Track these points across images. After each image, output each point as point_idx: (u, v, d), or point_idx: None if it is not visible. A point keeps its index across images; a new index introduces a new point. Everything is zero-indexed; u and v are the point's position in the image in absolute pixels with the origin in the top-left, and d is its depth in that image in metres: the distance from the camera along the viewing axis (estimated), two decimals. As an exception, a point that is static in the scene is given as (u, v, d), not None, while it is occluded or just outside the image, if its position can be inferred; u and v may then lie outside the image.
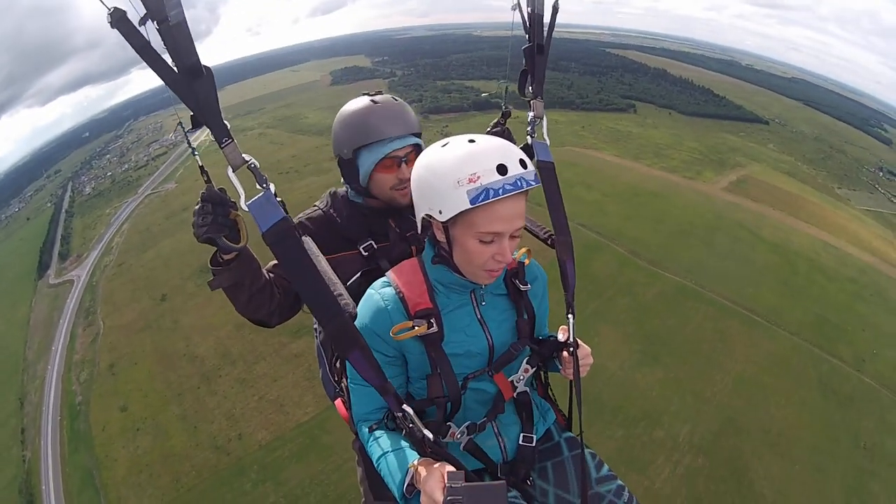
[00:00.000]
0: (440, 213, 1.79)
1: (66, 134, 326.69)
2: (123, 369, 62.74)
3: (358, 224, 2.51)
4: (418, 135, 2.50)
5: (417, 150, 2.46)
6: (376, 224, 2.51)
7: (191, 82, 1.45)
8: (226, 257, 2.02)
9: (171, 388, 57.03)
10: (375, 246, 2.44)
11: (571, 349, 2.13)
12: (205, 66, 1.46)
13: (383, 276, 2.13)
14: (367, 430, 2.02)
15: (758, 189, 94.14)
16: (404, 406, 1.84)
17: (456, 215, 1.76)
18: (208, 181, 1.92)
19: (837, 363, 54.61)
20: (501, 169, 1.69)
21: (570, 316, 2.26)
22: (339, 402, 2.64)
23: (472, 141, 1.81)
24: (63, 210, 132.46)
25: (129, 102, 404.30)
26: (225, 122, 1.58)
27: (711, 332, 56.49)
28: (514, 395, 2.21)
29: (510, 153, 1.76)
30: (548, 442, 2.41)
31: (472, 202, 1.68)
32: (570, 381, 2.27)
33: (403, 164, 2.42)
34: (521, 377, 2.20)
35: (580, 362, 2.15)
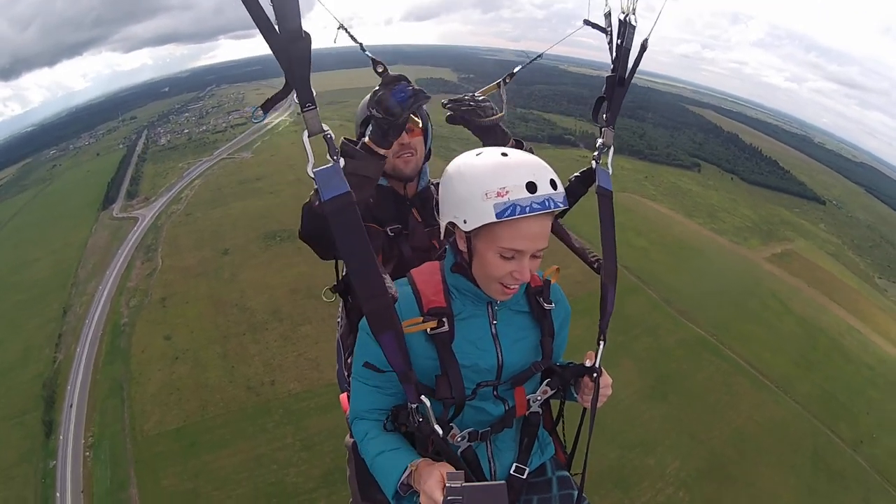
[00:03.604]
0: (465, 222, 2.02)
1: (146, 84, 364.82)
2: (175, 304, 76.02)
3: (387, 207, 2.97)
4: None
5: (421, 118, 2.93)
6: (402, 211, 3.01)
7: (289, 45, 1.66)
8: (377, 148, 2.28)
9: (218, 329, 69.64)
10: (404, 231, 2.90)
11: (595, 375, 2.42)
12: (305, 31, 1.68)
13: (403, 262, 2.69)
14: (363, 428, 2.32)
15: (799, 264, 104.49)
16: (422, 397, 2.05)
17: (480, 227, 1.97)
18: (384, 70, 2.33)
19: (835, 439, 61.79)
20: (531, 186, 1.91)
21: (601, 342, 2.54)
22: (343, 396, 3.08)
23: (504, 154, 2.04)
24: (136, 153, 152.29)
25: (213, 68, 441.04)
26: (312, 88, 1.77)
27: (721, 385, 66.25)
28: (527, 413, 2.49)
29: (542, 171, 1.99)
30: (539, 476, 2.64)
31: (497, 216, 1.89)
32: (580, 414, 2.61)
33: (405, 133, 2.86)
34: (539, 397, 2.48)
35: (600, 390, 2.41)
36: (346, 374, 2.99)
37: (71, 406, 64.30)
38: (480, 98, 3.00)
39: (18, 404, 62.63)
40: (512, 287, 2.13)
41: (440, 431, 2.06)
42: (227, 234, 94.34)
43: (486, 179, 1.94)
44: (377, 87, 2.19)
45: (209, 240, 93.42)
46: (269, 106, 1.84)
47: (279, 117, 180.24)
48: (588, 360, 2.46)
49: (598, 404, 2.42)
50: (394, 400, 2.29)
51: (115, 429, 58.01)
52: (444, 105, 2.98)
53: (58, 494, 51.93)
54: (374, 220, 2.86)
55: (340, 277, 2.94)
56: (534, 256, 2.08)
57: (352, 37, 2.42)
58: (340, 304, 3.13)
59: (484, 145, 2.71)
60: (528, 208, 1.88)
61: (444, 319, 2.18)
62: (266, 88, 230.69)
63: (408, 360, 1.99)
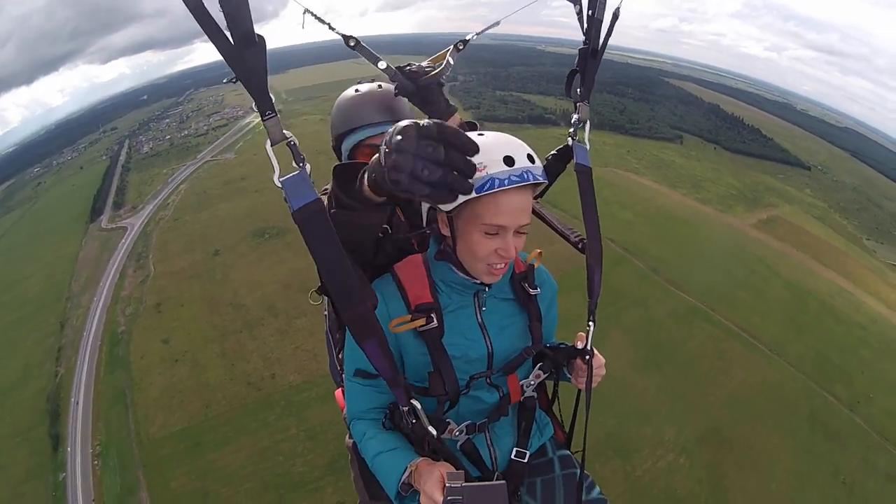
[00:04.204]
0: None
1: (125, 94, 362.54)
2: (170, 309, 76.62)
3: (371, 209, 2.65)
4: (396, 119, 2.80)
5: None
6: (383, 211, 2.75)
7: (242, 50, 1.57)
8: (376, 197, 1.85)
9: (214, 329, 70.34)
10: (389, 230, 2.70)
11: (587, 357, 2.43)
12: (258, 35, 1.60)
13: (388, 263, 2.50)
14: (361, 428, 2.32)
15: (785, 229, 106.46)
16: (413, 401, 2.03)
17: (460, 205, 1.99)
18: (356, 45, 2.59)
19: (831, 399, 62.98)
20: (508, 160, 1.92)
21: (590, 324, 2.53)
22: (338, 392, 3.10)
23: (481, 134, 2.05)
24: (119, 164, 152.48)
25: (190, 72, 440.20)
26: (270, 95, 1.69)
27: (713, 350, 66.99)
28: (521, 398, 2.52)
29: (518, 147, 2.00)
30: (541, 457, 2.67)
31: (476, 191, 1.89)
32: (576, 393, 2.61)
33: None
34: (532, 382, 2.50)
35: (593, 372, 2.45)
36: (338, 367, 3.00)
37: (77, 403, 65.88)
38: (424, 65, 2.96)
39: (23, 421, 63.26)
40: (498, 266, 2.15)
41: (434, 432, 2.06)
42: (216, 235, 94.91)
43: None
44: (405, 126, 1.52)
45: (199, 242, 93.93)
46: (233, 80, 1.69)
47: (259, 117, 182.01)
48: (579, 342, 2.49)
49: (593, 385, 2.47)
50: (390, 397, 2.29)
51: (122, 435, 58.68)
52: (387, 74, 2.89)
53: (70, 504, 52.92)
54: (362, 228, 2.53)
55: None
56: (518, 233, 2.08)
57: (318, 18, 2.56)
58: (326, 301, 3.09)
59: (427, 113, 2.88)
60: (506, 181, 1.91)
61: (433, 315, 2.21)
62: (244, 88, 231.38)
63: (394, 365, 1.95)
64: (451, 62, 2.90)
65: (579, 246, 2.68)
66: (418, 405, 2.02)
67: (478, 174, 1.85)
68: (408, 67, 2.89)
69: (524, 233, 2.10)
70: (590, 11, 2.42)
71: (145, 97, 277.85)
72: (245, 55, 1.56)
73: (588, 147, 2.59)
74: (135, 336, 73.79)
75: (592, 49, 2.48)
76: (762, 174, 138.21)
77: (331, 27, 2.62)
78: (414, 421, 2.05)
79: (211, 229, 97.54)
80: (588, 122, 2.61)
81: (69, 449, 58.73)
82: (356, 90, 2.94)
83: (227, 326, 70.95)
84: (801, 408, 60.70)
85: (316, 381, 58.76)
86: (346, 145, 2.85)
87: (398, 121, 2.10)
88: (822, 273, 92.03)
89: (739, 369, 64.51)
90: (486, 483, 1.66)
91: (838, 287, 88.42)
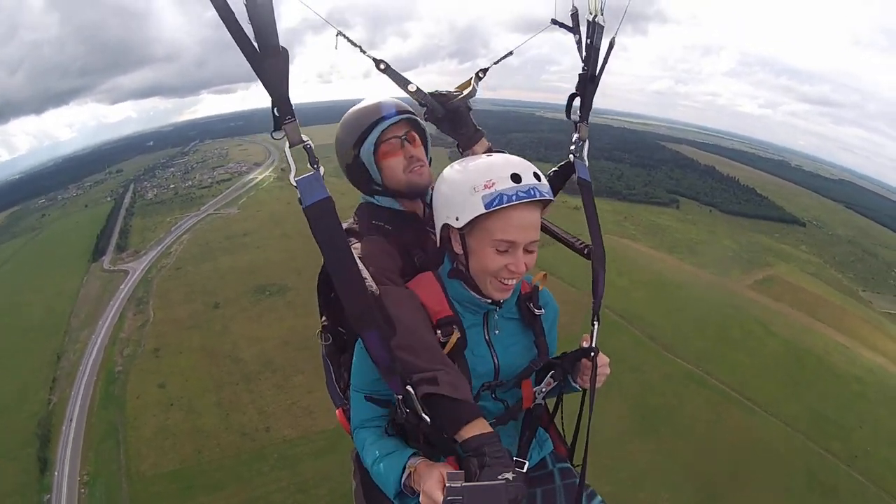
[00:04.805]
0: (457, 219, 2.20)
1: (131, 137, 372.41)
2: (168, 355, 79.56)
3: (407, 232, 2.85)
4: (412, 113, 2.93)
5: (415, 127, 2.93)
6: (420, 235, 2.90)
7: (267, 59, 1.76)
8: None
9: (212, 379, 73.27)
10: (427, 257, 2.78)
11: (592, 355, 2.55)
12: (282, 48, 1.79)
13: None
14: (364, 436, 2.40)
15: (781, 288, 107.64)
16: (408, 387, 2.07)
17: (472, 221, 2.16)
18: (386, 67, 2.82)
19: (828, 457, 63.68)
20: (515, 177, 2.12)
21: (595, 323, 2.73)
22: (339, 411, 3.09)
23: (489, 155, 2.33)
24: (124, 207, 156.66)
25: (196, 123, 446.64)
26: (291, 102, 1.89)
27: (710, 414, 68.36)
28: (532, 405, 2.65)
29: (524, 166, 2.20)
30: (541, 470, 2.79)
31: (486, 206, 2.09)
32: (579, 405, 2.71)
33: (407, 144, 2.84)
34: (544, 389, 2.62)
35: (598, 370, 2.53)
36: (337, 389, 3.10)
37: (71, 420, 69.09)
38: (452, 90, 3.21)
39: (14, 441, 65.34)
40: (508, 282, 2.31)
41: (428, 419, 2.07)
42: (218, 288, 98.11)
43: (472, 176, 2.19)
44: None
45: (200, 293, 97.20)
46: (276, 127, 1.98)
47: (263, 173, 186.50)
48: (584, 342, 2.62)
49: (598, 384, 2.56)
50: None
51: (112, 469, 61.13)
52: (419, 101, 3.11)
53: (51, 527, 54.31)
54: (400, 247, 2.74)
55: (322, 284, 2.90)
56: (527, 251, 2.26)
57: (350, 41, 2.93)
58: (318, 333, 3.07)
59: (455, 137, 3.24)
60: (514, 196, 2.10)
61: (456, 327, 2.36)
62: (248, 144, 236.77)
63: (392, 355, 2.06)
64: (477, 88, 3.20)
65: (585, 252, 2.91)
66: (413, 391, 2.07)
67: (486, 190, 2.11)
68: (436, 91, 3.17)
69: (533, 250, 2.30)
70: (588, 40, 2.84)
71: (151, 143, 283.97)
72: (269, 63, 1.79)
73: (587, 164, 2.97)
74: (131, 377, 76.63)
75: (591, 74, 2.87)
76: (758, 234, 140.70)
77: (362, 50, 2.93)
78: (408, 411, 2.11)
79: (212, 281, 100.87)
80: (587, 140, 2.97)
81: (56, 474, 61.21)
82: (353, 107, 2.99)
83: (225, 378, 73.87)
84: (797, 466, 61.97)
85: (311, 437, 61.47)
86: (367, 146, 2.79)
87: (409, 113, 2.90)
88: (818, 329, 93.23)
89: (735, 431, 65.79)
90: (486, 483, 1.71)
91: (835, 342, 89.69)
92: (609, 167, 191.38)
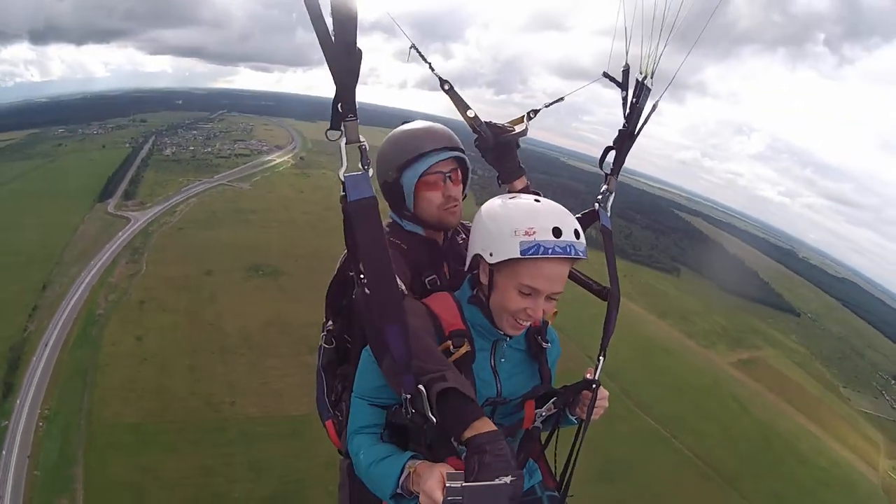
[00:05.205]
0: (491, 255, 2.30)
1: (162, 91, 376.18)
2: (151, 309, 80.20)
3: (423, 256, 2.98)
4: (461, 151, 3.00)
5: (461, 165, 3.03)
6: (436, 261, 3.03)
7: (343, 56, 1.86)
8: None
9: (189, 342, 73.68)
10: (439, 282, 2.93)
11: (594, 386, 2.69)
12: (358, 48, 1.87)
13: None
14: (360, 441, 2.43)
15: (763, 371, 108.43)
16: (419, 385, 2.10)
17: (504, 261, 2.26)
18: (450, 88, 3.12)
19: None
20: (557, 231, 2.20)
21: (601, 358, 2.90)
22: (329, 423, 3.12)
23: (537, 200, 2.38)
24: (140, 156, 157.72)
25: (228, 93, 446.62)
26: (356, 101, 1.97)
27: (670, 475, 68.97)
28: (531, 427, 2.71)
29: (568, 221, 2.28)
30: (529, 496, 2.87)
31: (521, 253, 2.18)
32: (572, 439, 2.82)
33: (449, 181, 2.93)
34: (544, 413, 2.70)
35: (596, 402, 2.69)
36: (327, 402, 3.15)
37: (43, 352, 69.71)
38: (506, 124, 3.38)
39: (-20, 361, 65.30)
40: (523, 323, 2.45)
41: (434, 419, 2.09)
42: (214, 256, 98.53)
43: (516, 218, 2.27)
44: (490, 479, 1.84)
45: (195, 257, 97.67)
46: (334, 123, 2.06)
47: (282, 157, 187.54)
48: (588, 374, 2.79)
49: (595, 416, 2.72)
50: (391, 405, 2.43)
51: (73, 408, 61.59)
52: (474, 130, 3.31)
53: (3, 452, 54.99)
54: (412, 266, 2.89)
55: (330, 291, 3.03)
56: (549, 298, 2.38)
57: (421, 55, 3.10)
58: (322, 337, 3.20)
59: (499, 169, 3.40)
60: (550, 250, 2.19)
61: (466, 341, 2.45)
62: (275, 126, 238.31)
63: (410, 351, 2.12)
64: (528, 128, 3.36)
65: (602, 293, 3.02)
66: (424, 390, 2.10)
67: (526, 237, 2.20)
68: (491, 123, 3.31)
69: (555, 300, 2.42)
70: (634, 99, 3.02)
71: (180, 102, 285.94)
72: (344, 61, 1.89)
73: (609, 213, 3.21)
74: (111, 323, 77.31)
75: (630, 132, 3.07)
76: (751, 316, 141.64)
77: (431, 67, 3.09)
78: (413, 411, 2.14)
79: (210, 249, 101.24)
80: (614, 193, 3.20)
81: (18, 401, 61.66)
82: (407, 123, 3.06)
83: (202, 344, 74.36)
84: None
85: (274, 420, 61.94)
86: (412, 174, 2.87)
87: (457, 148, 2.98)
88: (792, 416, 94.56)
89: (691, 497, 66.32)
90: (487, 483, 1.74)
91: (806, 430, 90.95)
92: (619, 224, 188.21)
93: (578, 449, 2.83)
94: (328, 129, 2.07)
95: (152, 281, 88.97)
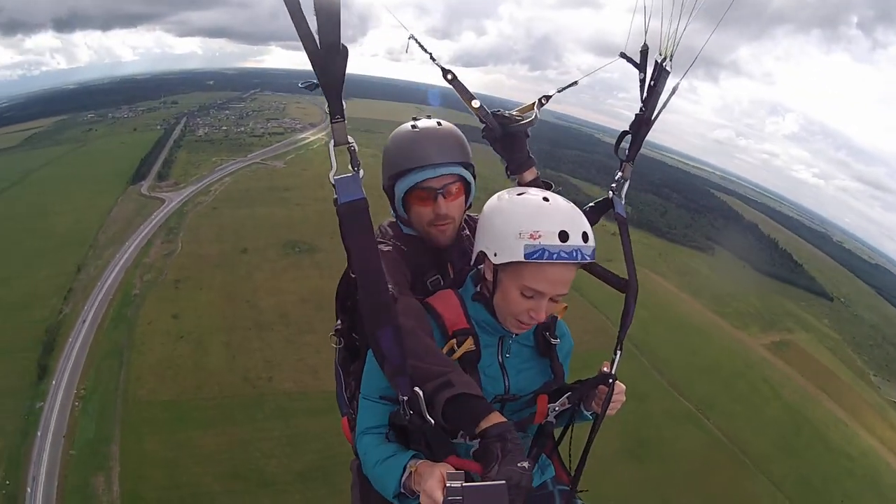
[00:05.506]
0: (495, 255, 2.32)
1: (192, 72, 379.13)
2: (187, 288, 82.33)
3: (422, 256, 2.97)
4: (466, 165, 2.94)
5: (461, 181, 2.94)
6: (440, 260, 3.03)
7: (327, 56, 1.87)
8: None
9: (225, 319, 75.64)
10: (442, 282, 2.95)
11: (610, 381, 2.70)
12: (343, 46, 1.89)
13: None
14: (367, 440, 2.49)
15: (795, 355, 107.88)
16: (416, 388, 2.16)
17: (508, 262, 2.27)
18: (453, 78, 2.98)
19: None
20: (563, 235, 2.19)
21: (618, 352, 2.85)
22: (344, 420, 3.20)
23: (546, 199, 2.34)
24: (172, 138, 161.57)
25: (260, 72, 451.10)
26: (343, 102, 2.01)
27: (700, 456, 69.42)
28: (543, 421, 2.74)
29: (576, 223, 2.26)
30: (541, 490, 2.91)
31: (525, 257, 2.19)
32: (590, 430, 2.88)
33: (440, 198, 2.83)
34: (557, 408, 2.71)
35: (613, 396, 2.71)
36: (346, 398, 3.19)
37: (82, 326, 72.62)
38: (514, 113, 3.27)
39: (17, 343, 68.52)
40: (526, 323, 2.47)
41: (431, 421, 2.16)
42: (249, 234, 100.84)
43: (522, 220, 2.26)
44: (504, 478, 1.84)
45: (230, 236, 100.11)
46: (310, 86, 2.06)
47: (317, 135, 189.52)
48: (604, 368, 2.82)
49: (611, 411, 2.76)
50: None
51: (109, 387, 63.74)
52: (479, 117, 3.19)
53: (39, 433, 57.26)
54: (414, 267, 2.88)
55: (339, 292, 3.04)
56: (552, 300, 2.39)
57: (421, 46, 3.08)
58: (330, 337, 3.20)
59: (507, 160, 3.31)
60: (555, 255, 2.20)
61: (471, 339, 2.51)
62: (308, 104, 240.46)
63: (404, 354, 2.16)
64: (539, 117, 3.24)
65: (620, 285, 2.91)
66: (420, 392, 2.16)
67: (531, 241, 2.20)
68: (498, 112, 3.23)
69: (559, 301, 2.44)
70: (652, 81, 2.94)
71: (211, 82, 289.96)
72: (329, 61, 1.91)
73: (623, 201, 3.12)
74: (147, 302, 79.47)
75: (647, 117, 3.00)
76: (784, 298, 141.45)
77: (432, 57, 3.05)
78: (412, 412, 2.20)
79: (245, 228, 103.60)
80: (629, 180, 3.14)
81: (54, 382, 63.97)
82: (413, 126, 2.94)
83: (238, 321, 76.19)
84: (776, 525, 61.34)
85: (311, 395, 62.79)
86: (402, 186, 2.85)
87: (458, 163, 2.90)
88: (822, 401, 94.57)
89: (720, 478, 66.70)
90: (487, 483, 1.76)
91: (835, 417, 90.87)
92: (655, 202, 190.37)
93: (590, 444, 2.87)
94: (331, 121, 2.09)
95: (188, 260, 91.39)
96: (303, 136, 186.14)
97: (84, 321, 75.30)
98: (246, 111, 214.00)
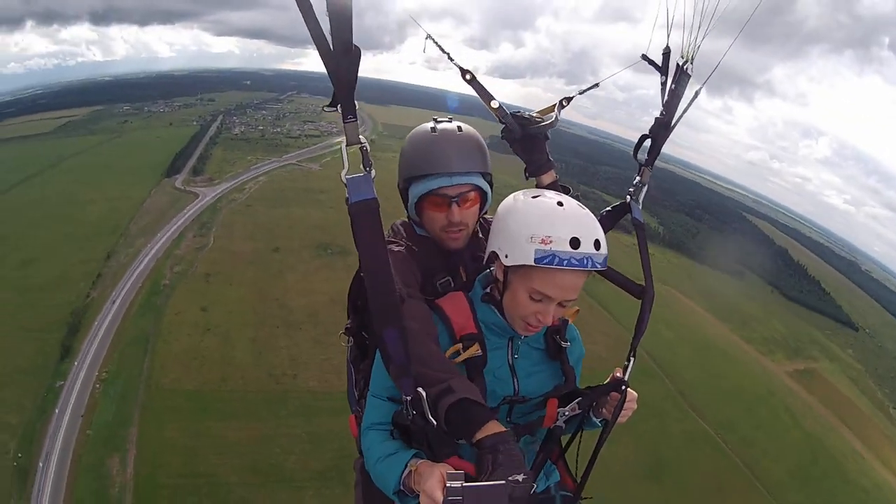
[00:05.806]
0: (506, 256, 2.38)
1: (230, 71, 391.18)
2: (218, 282, 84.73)
3: (436, 259, 2.99)
4: (484, 174, 2.94)
5: (478, 191, 2.92)
6: (452, 263, 3.02)
7: (339, 57, 1.89)
8: None
9: (254, 315, 77.65)
10: (452, 284, 2.95)
11: (623, 387, 2.76)
12: (355, 46, 1.89)
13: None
14: (371, 436, 2.56)
15: (817, 384, 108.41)
16: (419, 388, 2.22)
17: (518, 265, 2.34)
18: (472, 79, 2.97)
19: None
20: (574, 242, 2.23)
21: (631, 359, 2.94)
22: (352, 418, 3.24)
23: (560, 204, 2.37)
24: (209, 134, 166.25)
25: (297, 75, 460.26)
26: (355, 101, 2.00)
27: (716, 480, 70.01)
28: (552, 426, 2.79)
29: (589, 229, 2.30)
30: (544, 495, 3.02)
31: (535, 261, 2.25)
32: (598, 437, 2.95)
33: (454, 205, 2.82)
34: (567, 413, 2.77)
35: (625, 403, 2.77)
36: (356, 395, 3.29)
37: (109, 311, 75.56)
38: (534, 115, 3.32)
39: (41, 322, 71.72)
40: (533, 325, 2.52)
41: (434, 422, 2.22)
42: (282, 234, 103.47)
43: (535, 223, 2.30)
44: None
45: (263, 234, 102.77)
46: (330, 108, 2.08)
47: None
48: (617, 373, 2.89)
49: (622, 419, 2.82)
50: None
51: (132, 373, 66.18)
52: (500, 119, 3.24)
53: (56, 411, 59.79)
54: (424, 268, 2.90)
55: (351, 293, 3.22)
56: (561, 304, 2.45)
57: (438, 46, 3.14)
58: (340, 335, 3.36)
59: (526, 162, 3.34)
60: (565, 262, 2.24)
61: (478, 344, 2.56)
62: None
63: (408, 355, 2.20)
64: (560, 119, 3.28)
65: (639, 293, 3.00)
66: (423, 393, 2.22)
67: (542, 245, 2.25)
68: (518, 113, 3.27)
69: (567, 306, 2.50)
70: (673, 85, 2.93)
71: (248, 82, 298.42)
72: (341, 61, 1.92)
73: (640, 207, 3.18)
74: (176, 293, 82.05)
75: (667, 121, 3.00)
76: (810, 326, 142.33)
77: (450, 57, 3.12)
78: (414, 412, 2.27)
79: (279, 227, 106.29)
80: (647, 185, 3.15)
81: (76, 364, 66.56)
82: (433, 128, 2.93)
83: (267, 318, 78.14)
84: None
85: (335, 395, 63.37)
86: (416, 191, 2.87)
87: (476, 172, 2.89)
88: (841, 432, 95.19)
89: (735, 502, 68.26)
90: (487, 483, 1.81)
91: (853, 449, 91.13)
92: (687, 223, 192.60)
93: (598, 451, 3.02)
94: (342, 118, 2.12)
95: (219, 255, 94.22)
96: (339, 139, 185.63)
97: (111, 306, 78.15)
98: (283, 112, 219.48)
